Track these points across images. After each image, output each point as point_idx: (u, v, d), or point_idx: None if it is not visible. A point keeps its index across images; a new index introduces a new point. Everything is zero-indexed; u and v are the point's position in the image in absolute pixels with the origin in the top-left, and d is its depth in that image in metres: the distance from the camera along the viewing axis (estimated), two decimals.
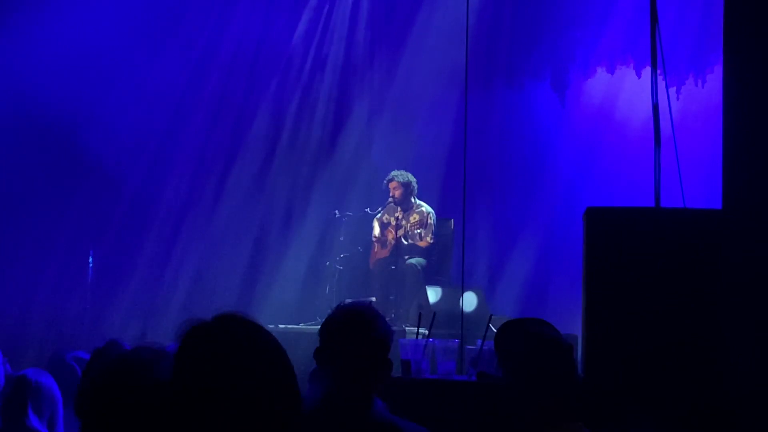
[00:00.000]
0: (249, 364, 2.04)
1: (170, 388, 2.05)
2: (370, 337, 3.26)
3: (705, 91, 10.56)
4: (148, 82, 11.66)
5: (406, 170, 10.51)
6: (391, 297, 10.10)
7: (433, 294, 9.37)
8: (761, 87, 4.27)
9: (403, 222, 10.35)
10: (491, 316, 5.51)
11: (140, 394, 2.25)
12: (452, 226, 10.62)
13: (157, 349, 2.40)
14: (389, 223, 10.44)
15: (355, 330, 3.26)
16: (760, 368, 4.12)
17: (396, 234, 10.25)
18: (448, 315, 7.79)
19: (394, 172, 10.46)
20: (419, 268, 10.06)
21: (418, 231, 10.27)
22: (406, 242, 10.28)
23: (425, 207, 10.41)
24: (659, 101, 4.75)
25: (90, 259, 10.70)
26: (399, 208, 10.40)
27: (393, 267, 10.16)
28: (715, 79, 10.28)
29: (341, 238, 10.89)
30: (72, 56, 11.26)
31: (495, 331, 4.13)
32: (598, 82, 11.26)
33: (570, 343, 3.56)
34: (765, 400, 4.11)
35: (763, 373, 4.11)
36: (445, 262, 10.50)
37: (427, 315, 5.42)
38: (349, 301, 4.59)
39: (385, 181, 10.48)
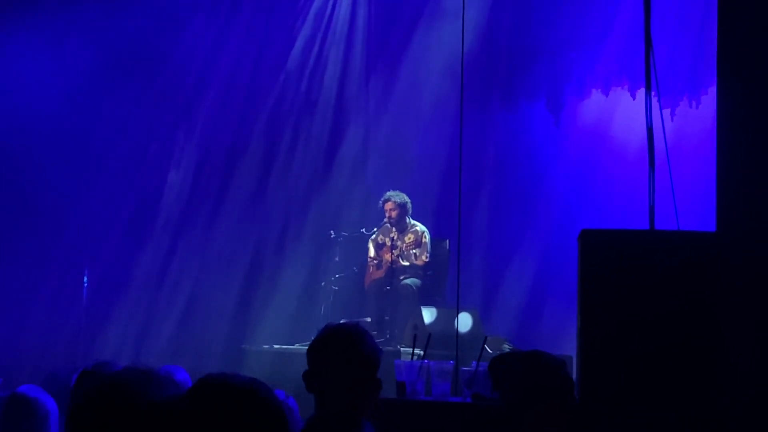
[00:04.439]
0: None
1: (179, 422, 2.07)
2: (356, 356, 3.24)
3: (700, 113, 10.58)
4: (144, 102, 11.69)
5: (402, 191, 10.52)
6: (386, 317, 10.09)
7: (428, 314, 9.36)
8: (755, 109, 4.28)
9: (398, 242, 10.36)
10: (486, 337, 5.52)
11: (129, 415, 2.25)
12: (447, 247, 10.62)
13: (145, 370, 2.40)
14: (384, 244, 10.45)
15: (341, 349, 3.25)
16: (757, 389, 4.12)
17: (391, 254, 10.25)
18: (444, 336, 7.79)
19: (389, 193, 10.47)
20: (414, 288, 10.07)
21: (414, 251, 10.28)
22: (401, 262, 10.29)
23: (420, 226, 10.42)
24: (654, 123, 4.76)
25: (85, 279, 10.68)
26: (394, 229, 10.41)
27: (388, 287, 10.16)
28: (709, 100, 10.30)
29: (336, 259, 10.90)
30: (71, 74, 11.32)
31: (491, 352, 4.12)
32: (593, 104, 11.28)
33: (563, 360, 3.57)
34: (762, 418, 4.11)
35: (759, 393, 4.12)
36: (441, 283, 10.50)
37: (422, 336, 5.42)
38: (343, 321, 4.60)
39: (380, 202, 10.49)
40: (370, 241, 10.64)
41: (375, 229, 10.64)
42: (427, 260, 10.28)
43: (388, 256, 10.30)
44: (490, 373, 3.61)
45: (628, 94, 10.95)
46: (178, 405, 2.11)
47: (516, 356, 3.72)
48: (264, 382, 2.16)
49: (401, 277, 10.19)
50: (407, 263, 10.27)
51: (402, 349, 8.90)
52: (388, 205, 10.38)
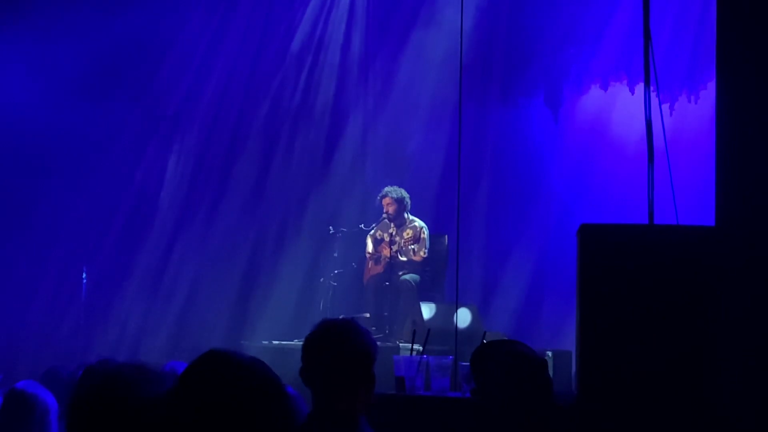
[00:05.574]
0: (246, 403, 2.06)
1: (168, 413, 2.06)
2: (350, 351, 3.24)
3: (699, 108, 10.58)
4: (143, 99, 11.69)
5: (400, 186, 10.52)
6: (385, 313, 10.09)
7: (428, 310, 9.36)
8: (754, 104, 4.28)
9: (397, 238, 10.35)
10: (485, 332, 5.52)
11: (127, 410, 2.25)
12: (446, 242, 10.62)
13: (140, 366, 2.41)
14: (383, 240, 10.44)
15: (335, 344, 3.25)
16: (755, 384, 4.12)
17: (390, 250, 10.25)
18: (443, 331, 7.80)
19: (387, 188, 10.47)
20: (413, 284, 10.06)
21: (412, 246, 10.28)
22: (399, 258, 10.28)
23: (418, 222, 10.41)
24: (653, 118, 4.76)
25: (84, 276, 10.68)
26: (392, 225, 10.41)
27: (387, 283, 10.16)
28: (708, 95, 10.30)
29: (335, 254, 10.89)
30: (70, 72, 11.32)
31: None
32: (592, 99, 11.28)
33: (544, 359, 3.58)
34: (760, 412, 4.11)
35: (758, 388, 4.12)
36: (439, 278, 10.50)
37: (422, 331, 5.43)
38: (342, 317, 4.60)
39: (378, 197, 10.49)
40: (368, 236, 10.64)
41: (374, 225, 10.64)
42: (425, 256, 10.27)
43: (386, 252, 10.30)
44: (471, 364, 3.62)
45: (627, 89, 10.94)
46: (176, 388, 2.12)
47: (492, 346, 3.73)
48: (262, 360, 2.16)
49: (400, 273, 10.19)
50: (405, 259, 10.26)
51: (401, 344, 8.91)
52: (386, 201, 10.38)
